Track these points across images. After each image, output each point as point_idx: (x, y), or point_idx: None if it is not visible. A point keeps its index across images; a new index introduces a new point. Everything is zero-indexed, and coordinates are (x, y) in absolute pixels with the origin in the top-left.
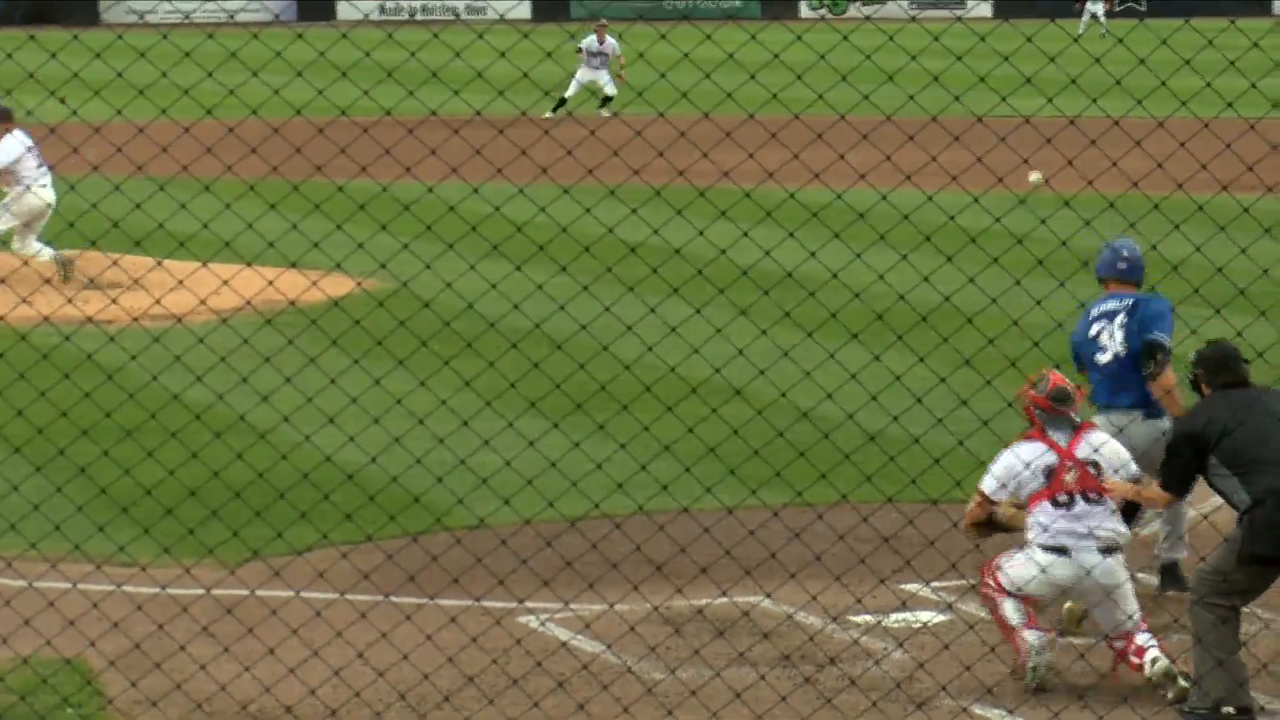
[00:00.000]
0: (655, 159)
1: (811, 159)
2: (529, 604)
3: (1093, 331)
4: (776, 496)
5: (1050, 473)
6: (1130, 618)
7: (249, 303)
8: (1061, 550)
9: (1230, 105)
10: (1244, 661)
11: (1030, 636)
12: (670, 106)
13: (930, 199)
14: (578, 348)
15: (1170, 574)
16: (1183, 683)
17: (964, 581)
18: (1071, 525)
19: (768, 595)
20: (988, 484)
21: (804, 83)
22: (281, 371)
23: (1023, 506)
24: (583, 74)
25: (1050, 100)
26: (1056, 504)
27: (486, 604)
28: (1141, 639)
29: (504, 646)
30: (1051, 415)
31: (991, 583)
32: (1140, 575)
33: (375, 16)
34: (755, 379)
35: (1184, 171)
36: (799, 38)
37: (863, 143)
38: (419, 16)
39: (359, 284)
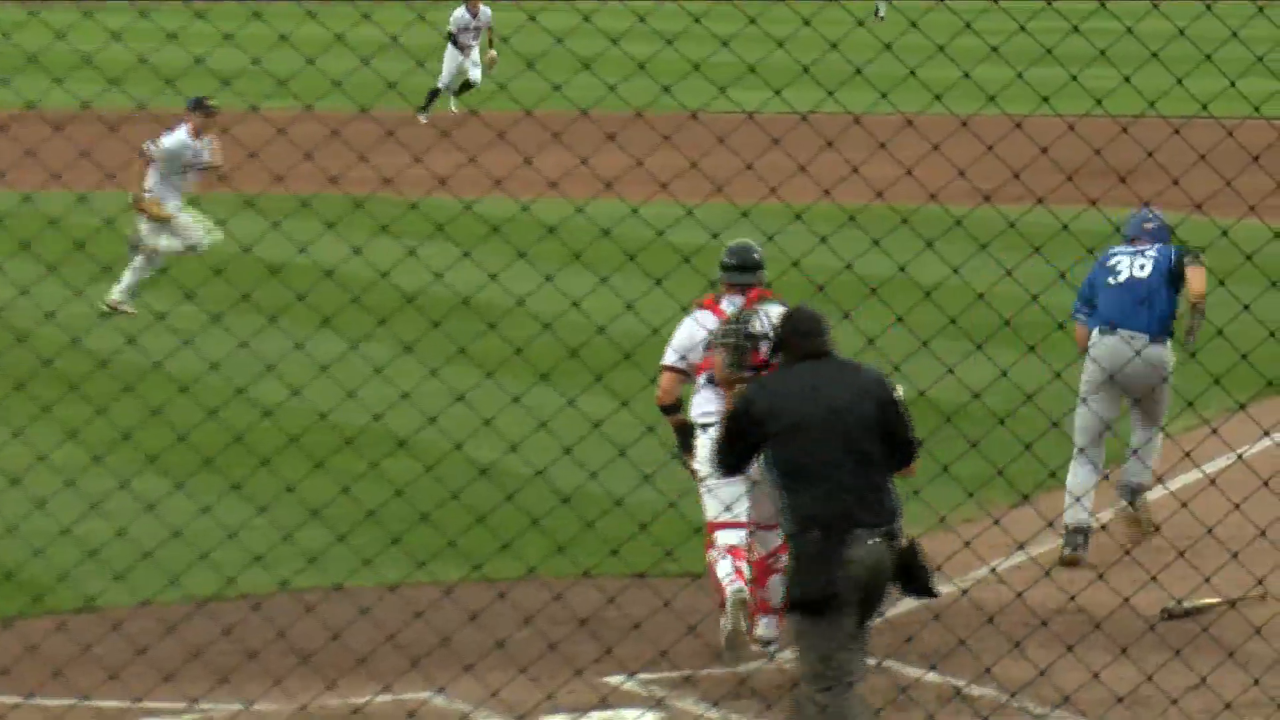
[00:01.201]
0: (302, 162)
1: (492, 163)
2: (148, 703)
3: (1112, 261)
4: (450, 571)
5: (706, 345)
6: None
7: None
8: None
9: (993, 100)
10: None
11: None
12: (321, 98)
13: (635, 211)
14: (208, 390)
15: (1133, 493)
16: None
17: (677, 673)
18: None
19: (440, 691)
20: (669, 355)
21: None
22: None
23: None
24: (454, 56)
25: (778, 93)
26: (712, 380)
27: (97, 703)
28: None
29: None
30: (728, 278)
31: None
32: None
33: None
34: (423, 428)
35: (938, 179)
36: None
37: (553, 143)
38: None
39: None
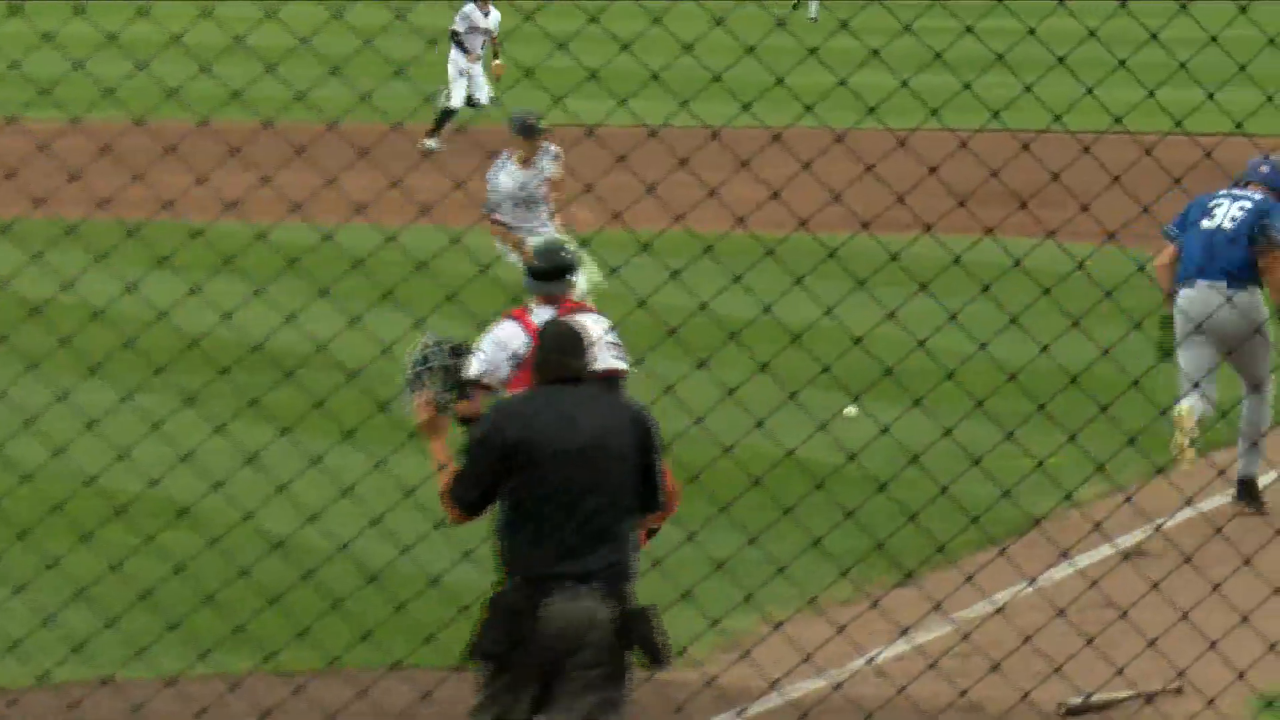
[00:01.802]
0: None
1: (291, 184)
2: None
3: (1212, 202)
4: (238, 661)
5: (519, 360)
6: None
7: None
8: None
9: (873, 111)
10: None
11: None
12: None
13: (457, 240)
14: None
15: (1247, 489)
16: None
17: None
18: None
19: None
20: (475, 366)
21: None
22: None
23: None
24: (458, 61)
25: (623, 103)
26: None
27: None
28: None
29: None
30: (538, 287)
31: None
32: None
33: None
34: (207, 495)
35: (810, 203)
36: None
37: (362, 162)
38: None
39: None
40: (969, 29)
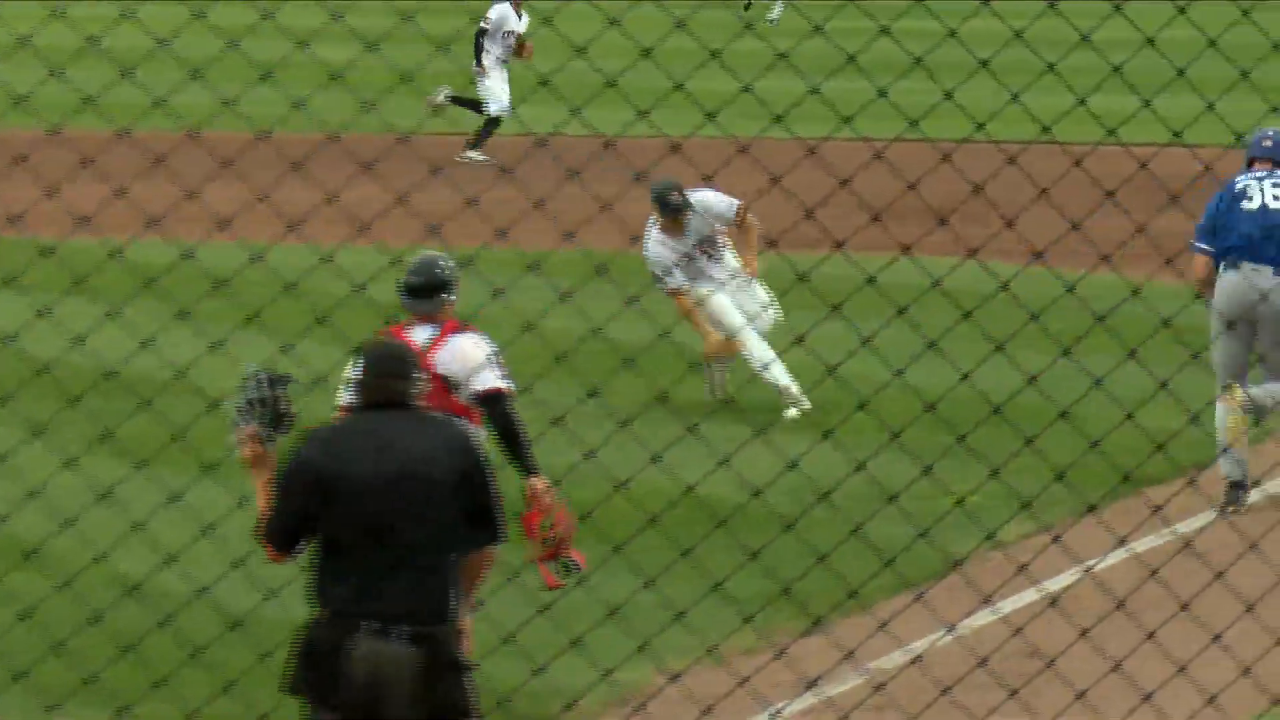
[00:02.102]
0: None
1: (147, 196)
2: None
3: (1240, 185)
4: (91, 713)
5: None
6: None
7: None
8: None
9: (780, 120)
10: None
11: None
12: None
13: (329, 259)
14: None
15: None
16: None
17: None
18: None
19: None
20: (347, 395)
21: None
22: None
23: None
24: (494, 69)
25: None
26: None
27: None
28: None
29: None
30: (414, 305)
31: None
32: None
33: None
34: (56, 535)
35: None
36: None
37: (226, 172)
38: None
39: None
40: (884, 30)
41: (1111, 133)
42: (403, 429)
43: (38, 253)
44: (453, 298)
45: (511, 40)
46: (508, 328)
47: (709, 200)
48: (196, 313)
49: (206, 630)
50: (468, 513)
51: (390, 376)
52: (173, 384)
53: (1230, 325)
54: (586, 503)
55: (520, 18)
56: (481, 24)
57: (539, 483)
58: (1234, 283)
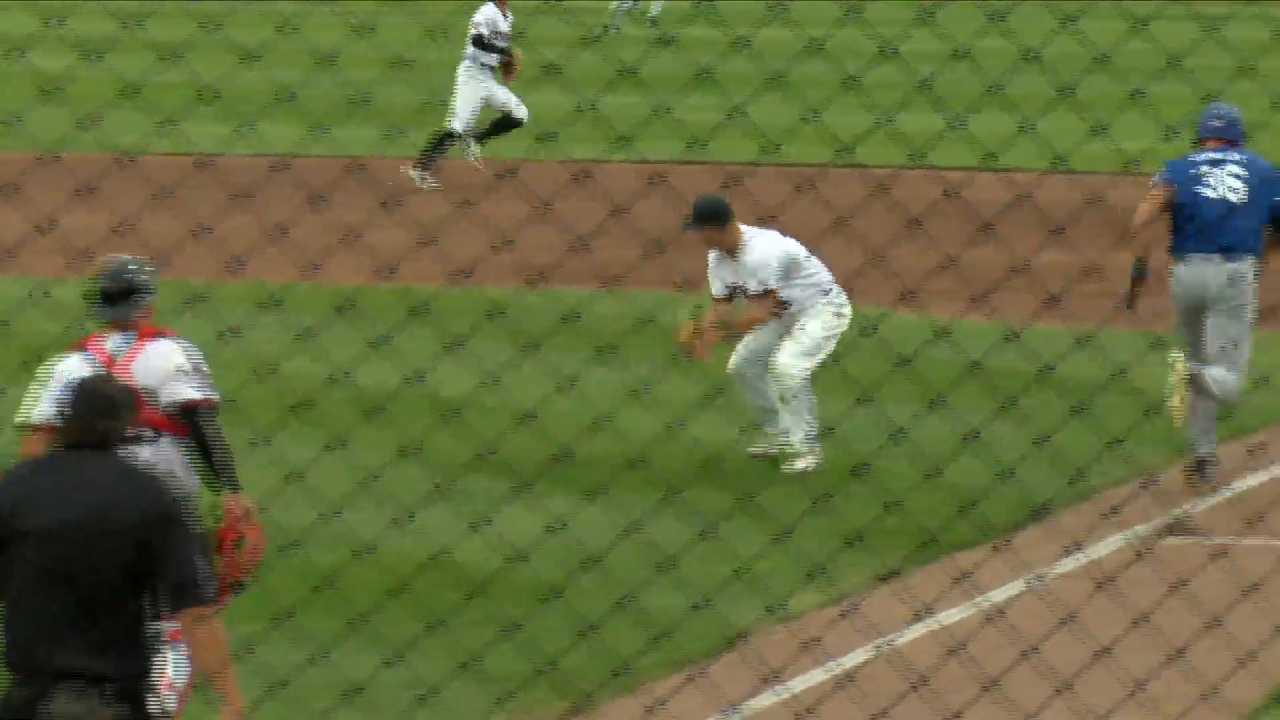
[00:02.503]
0: None
1: None
2: None
3: (1195, 170)
4: None
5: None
6: None
7: None
8: None
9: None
10: None
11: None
12: None
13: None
14: None
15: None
16: None
17: None
18: None
19: None
20: (38, 410)
21: None
22: None
23: None
24: (472, 80)
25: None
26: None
27: None
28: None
29: None
30: (107, 312)
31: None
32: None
33: None
34: None
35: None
36: None
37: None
38: None
39: None
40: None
41: (910, 156)
42: (95, 473)
43: None
44: (149, 299)
45: (499, 48)
46: (238, 372)
47: (755, 256)
48: None
49: None
50: (156, 567)
51: (94, 416)
52: None
53: (1189, 314)
54: (326, 568)
55: (506, 18)
56: (473, 31)
57: (236, 502)
58: (1186, 273)
